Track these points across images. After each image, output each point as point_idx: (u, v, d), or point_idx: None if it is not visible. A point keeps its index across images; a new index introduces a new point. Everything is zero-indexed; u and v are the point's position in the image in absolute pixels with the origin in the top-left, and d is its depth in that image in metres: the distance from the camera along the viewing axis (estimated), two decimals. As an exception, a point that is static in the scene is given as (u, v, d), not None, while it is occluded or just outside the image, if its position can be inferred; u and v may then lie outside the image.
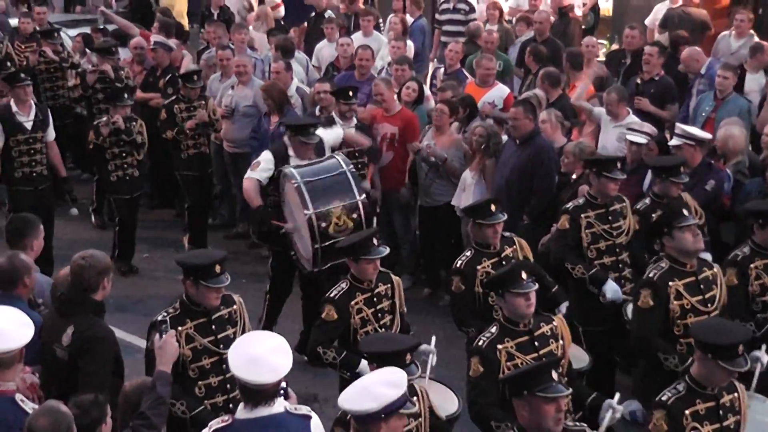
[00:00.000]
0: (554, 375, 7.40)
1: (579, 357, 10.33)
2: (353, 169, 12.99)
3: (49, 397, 8.39)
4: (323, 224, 11.85)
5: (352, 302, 10.08)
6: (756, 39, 18.79)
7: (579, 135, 14.76)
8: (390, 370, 7.48)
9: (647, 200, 12.34)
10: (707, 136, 13.90)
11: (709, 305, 10.14)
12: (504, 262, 10.81)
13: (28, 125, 15.31)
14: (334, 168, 12.89)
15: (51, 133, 15.78)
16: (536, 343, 9.19)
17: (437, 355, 10.28)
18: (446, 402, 9.74)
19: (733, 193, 13.42)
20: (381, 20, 21.59)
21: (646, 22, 21.00)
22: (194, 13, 25.41)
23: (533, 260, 11.43)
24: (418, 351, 8.56)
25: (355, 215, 12.64)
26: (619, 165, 12.26)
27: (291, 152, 13.16)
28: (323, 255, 11.99)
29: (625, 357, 11.62)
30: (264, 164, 13.10)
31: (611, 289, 11.29)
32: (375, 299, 10.22)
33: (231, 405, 8.58)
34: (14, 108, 15.40)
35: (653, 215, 11.76)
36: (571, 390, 7.69)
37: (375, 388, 7.16)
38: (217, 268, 9.18)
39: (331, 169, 12.88)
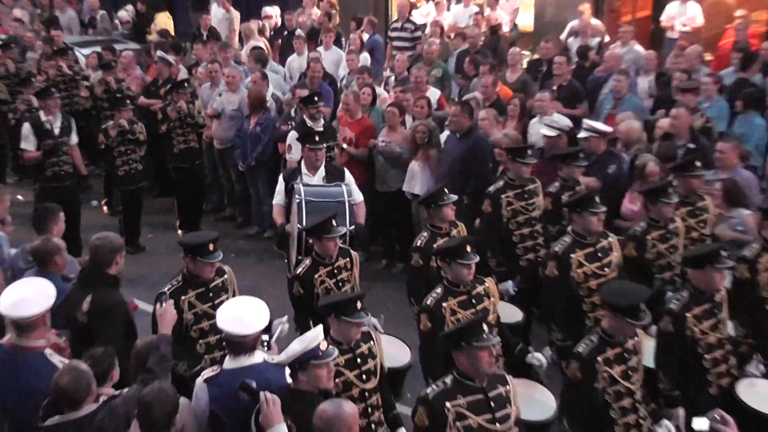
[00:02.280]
0: (485, 328, 7.64)
1: (512, 314, 10.49)
2: (353, 202, 12.69)
3: (75, 356, 8.52)
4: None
5: (316, 275, 10.28)
6: (637, 47, 19.40)
7: (503, 127, 14.83)
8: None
9: (557, 183, 12.48)
10: (608, 129, 14.07)
11: (606, 269, 10.39)
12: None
13: (56, 131, 15.48)
14: (337, 195, 12.61)
15: (74, 138, 15.92)
16: (474, 301, 9.43)
17: (392, 317, 10.82)
18: (400, 354, 10.06)
19: (632, 173, 13.47)
20: (342, 36, 21.70)
21: (561, 36, 21.30)
22: (186, 33, 25.41)
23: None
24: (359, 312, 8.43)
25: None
26: (530, 152, 12.38)
27: (303, 168, 12.98)
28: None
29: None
30: (279, 187, 13.02)
31: (509, 286, 11.71)
32: (336, 271, 10.40)
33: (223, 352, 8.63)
34: (43, 117, 15.53)
35: (562, 196, 12.11)
36: (499, 339, 8.05)
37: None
38: (211, 246, 9.51)
39: (334, 195, 12.63)
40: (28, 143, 15.52)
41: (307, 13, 23.98)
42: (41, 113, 15.77)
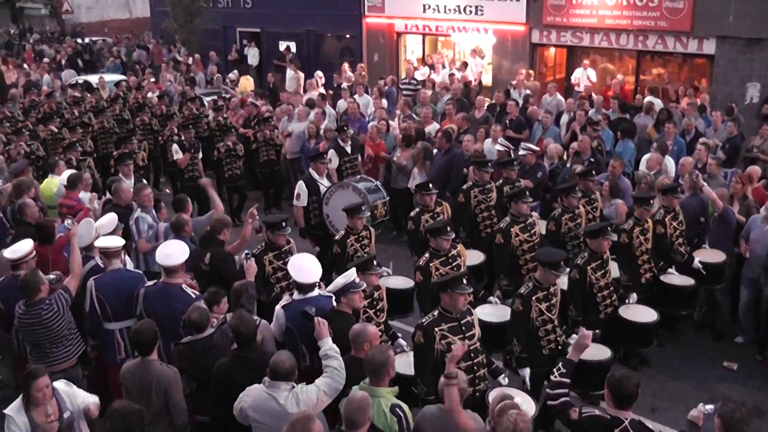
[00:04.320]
0: (464, 281, 7.60)
1: (501, 313, 9.37)
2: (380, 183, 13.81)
3: (201, 290, 8.65)
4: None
5: (348, 241, 10.22)
6: (559, 96, 19.52)
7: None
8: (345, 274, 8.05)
9: (501, 181, 12.46)
10: (538, 149, 14.13)
11: (532, 238, 10.44)
12: (436, 216, 11.09)
13: (192, 150, 15.73)
14: (372, 182, 13.56)
15: (200, 154, 16.01)
16: (450, 260, 9.38)
17: (399, 266, 10.68)
18: (406, 284, 10.07)
19: (552, 177, 13.60)
20: (369, 88, 21.53)
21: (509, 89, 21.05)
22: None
23: (451, 215, 11.58)
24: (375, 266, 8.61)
25: (385, 207, 13.27)
26: (489, 164, 12.49)
27: (315, 176, 12.99)
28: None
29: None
30: (302, 193, 12.88)
31: (473, 253, 11.17)
32: (360, 238, 10.31)
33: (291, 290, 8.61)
34: (184, 139, 15.79)
35: (504, 189, 12.16)
36: (472, 289, 7.83)
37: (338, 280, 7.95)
38: (283, 224, 9.56)
39: (370, 182, 13.49)
40: (178, 155, 15.55)
41: (343, 75, 23.75)
42: (183, 138, 15.90)
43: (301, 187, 12.98)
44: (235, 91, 22.83)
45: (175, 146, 15.72)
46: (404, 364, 7.92)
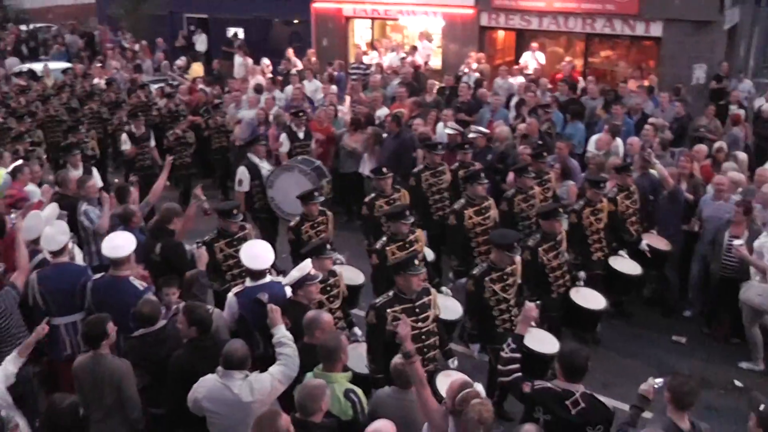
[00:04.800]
0: (416, 262, 7.65)
1: (453, 309, 9.26)
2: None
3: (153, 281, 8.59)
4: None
5: (303, 228, 10.14)
6: (511, 79, 19.54)
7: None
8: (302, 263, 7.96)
9: (457, 164, 12.43)
10: (487, 131, 14.12)
11: (487, 221, 10.46)
12: (392, 202, 10.97)
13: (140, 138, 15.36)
14: (314, 162, 13.52)
15: (152, 142, 15.70)
16: (407, 246, 9.36)
17: (353, 253, 10.66)
18: (355, 278, 9.95)
19: (501, 159, 13.55)
20: (318, 74, 21.51)
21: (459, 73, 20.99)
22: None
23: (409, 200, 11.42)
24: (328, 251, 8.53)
25: (329, 185, 13.36)
26: (440, 146, 12.44)
27: (255, 159, 12.98)
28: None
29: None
30: (243, 179, 12.85)
31: (424, 234, 10.81)
32: (315, 225, 10.24)
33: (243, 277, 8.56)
34: (134, 130, 15.39)
35: (459, 173, 12.06)
36: (425, 269, 7.96)
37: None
38: (235, 211, 9.49)
39: (312, 162, 13.45)
40: (126, 145, 15.25)
41: (291, 61, 23.76)
42: (132, 127, 15.50)
43: (243, 172, 12.89)
44: (183, 78, 22.52)
45: (124, 136, 15.42)
46: (358, 357, 7.85)
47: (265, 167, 13.09)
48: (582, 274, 10.07)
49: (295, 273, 7.87)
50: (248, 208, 12.93)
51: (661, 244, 11.19)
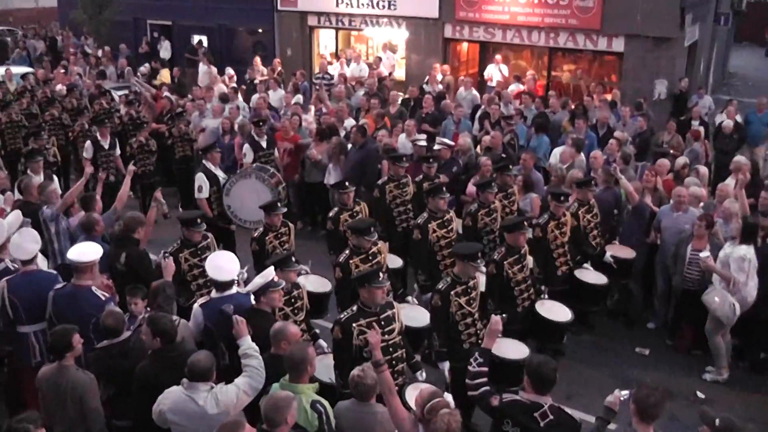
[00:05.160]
0: (380, 275, 7.65)
1: (420, 318, 9.19)
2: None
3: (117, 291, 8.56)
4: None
5: (266, 238, 10.08)
6: (474, 92, 19.77)
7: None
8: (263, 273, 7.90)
9: (420, 177, 12.48)
10: (452, 143, 14.21)
11: (450, 234, 10.51)
12: (355, 215, 10.98)
13: (107, 147, 15.09)
14: (269, 169, 13.62)
15: (117, 151, 15.45)
16: (370, 258, 9.31)
17: (317, 263, 10.51)
18: (322, 286, 9.91)
19: (465, 171, 13.66)
20: (282, 83, 21.48)
21: (423, 84, 21.11)
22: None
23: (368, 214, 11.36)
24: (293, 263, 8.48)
25: (285, 191, 13.42)
26: (404, 158, 12.46)
27: (210, 167, 12.86)
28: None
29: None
30: (203, 185, 12.70)
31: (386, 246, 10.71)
32: (279, 235, 10.19)
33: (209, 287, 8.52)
34: (99, 138, 15.14)
35: (423, 185, 12.08)
36: (389, 283, 7.95)
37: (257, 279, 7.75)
38: (198, 220, 9.41)
39: (267, 169, 13.55)
40: (87, 153, 14.97)
41: (256, 69, 23.66)
42: (97, 135, 15.26)
43: (201, 178, 12.79)
44: (147, 85, 22.36)
45: (88, 143, 15.20)
46: (324, 368, 7.83)
47: (220, 175, 13.06)
48: (545, 288, 10.13)
49: (259, 280, 7.84)
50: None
51: (626, 252, 11.30)
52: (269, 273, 7.90)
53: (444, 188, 10.79)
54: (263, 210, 10.38)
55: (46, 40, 32.92)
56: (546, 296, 9.97)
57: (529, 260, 10.01)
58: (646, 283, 11.84)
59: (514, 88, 20.10)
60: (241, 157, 14.82)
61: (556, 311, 9.61)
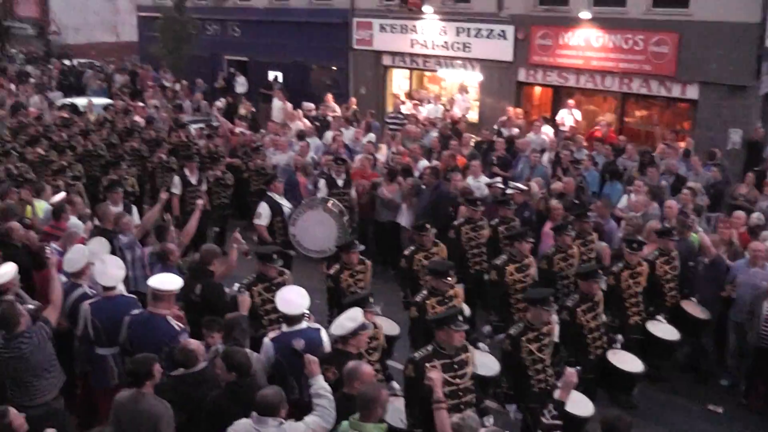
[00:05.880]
0: (460, 318, 7.56)
1: (490, 365, 9.12)
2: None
3: (189, 322, 8.59)
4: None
5: (342, 275, 10.08)
6: (543, 136, 19.46)
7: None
8: (351, 312, 7.81)
9: (497, 220, 12.47)
10: (525, 188, 14.06)
11: (527, 278, 10.42)
12: (431, 256, 10.93)
13: (193, 181, 15.09)
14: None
15: (204, 187, 15.44)
16: (446, 300, 9.25)
17: (388, 303, 10.48)
18: (391, 329, 9.93)
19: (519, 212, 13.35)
20: (354, 121, 21.57)
21: (495, 125, 21.20)
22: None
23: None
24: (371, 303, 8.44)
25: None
26: (478, 202, 12.44)
27: (275, 196, 13.17)
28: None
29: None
30: (263, 212, 12.98)
31: (461, 286, 10.77)
32: (354, 273, 10.18)
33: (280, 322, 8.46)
34: (186, 173, 15.20)
35: (499, 228, 12.21)
36: (467, 326, 7.83)
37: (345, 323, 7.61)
38: (274, 256, 9.44)
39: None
40: (176, 189, 14.96)
41: (328, 106, 23.88)
42: (185, 170, 15.31)
43: (263, 206, 13.04)
44: (223, 119, 22.68)
45: (176, 178, 15.26)
46: (394, 410, 7.69)
47: (285, 205, 13.27)
48: (619, 337, 9.91)
49: (348, 323, 7.70)
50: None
51: (700, 312, 11.06)
52: (358, 316, 7.80)
53: (529, 232, 10.77)
54: (340, 250, 10.43)
55: (128, 73, 33.66)
56: (618, 345, 9.78)
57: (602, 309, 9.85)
58: (719, 338, 11.56)
59: (548, 130, 20.08)
60: (307, 195, 14.97)
61: (628, 361, 9.45)
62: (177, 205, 14.55)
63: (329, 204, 13.38)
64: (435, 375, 6.88)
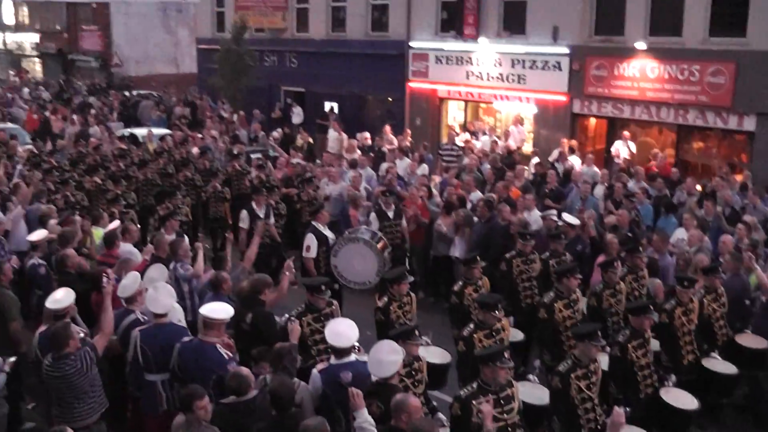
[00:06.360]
0: (506, 354, 7.53)
1: (540, 396, 8.96)
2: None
3: (238, 350, 8.68)
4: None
5: (391, 307, 10.08)
6: (595, 168, 19.29)
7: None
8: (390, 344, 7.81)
9: (548, 253, 12.35)
10: (577, 221, 13.88)
11: (576, 314, 10.28)
12: (478, 289, 10.91)
13: (261, 215, 14.72)
14: (371, 230, 14.01)
15: (272, 219, 15.22)
16: (493, 334, 9.24)
17: (438, 334, 10.50)
18: (443, 358, 9.89)
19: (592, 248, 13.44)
20: (409, 152, 21.55)
21: (549, 158, 21.17)
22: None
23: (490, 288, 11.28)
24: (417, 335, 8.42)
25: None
26: (528, 237, 12.30)
27: (319, 227, 13.30)
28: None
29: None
30: (312, 245, 13.09)
31: (510, 320, 10.76)
32: (403, 305, 10.18)
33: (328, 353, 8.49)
34: (254, 206, 14.84)
35: (550, 262, 12.08)
36: (513, 364, 7.72)
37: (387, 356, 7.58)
38: (323, 287, 9.47)
39: (372, 232, 13.94)
40: (244, 223, 14.73)
41: (385, 137, 24.01)
42: (253, 204, 15.01)
43: (310, 238, 13.12)
44: (279, 149, 22.90)
45: (244, 212, 15.00)
46: None
47: (329, 235, 13.40)
48: (673, 377, 9.67)
49: (394, 360, 7.70)
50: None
51: (757, 342, 10.67)
52: (398, 349, 7.82)
53: (577, 268, 10.68)
54: (390, 282, 10.40)
55: (188, 104, 34.21)
56: (671, 384, 9.54)
57: (654, 345, 9.70)
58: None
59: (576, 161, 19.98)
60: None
61: (681, 399, 9.20)
62: (245, 239, 14.36)
63: (372, 239, 13.48)
64: (486, 408, 6.90)
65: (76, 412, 8.04)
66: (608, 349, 9.34)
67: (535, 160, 21.23)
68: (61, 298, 8.83)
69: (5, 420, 9.13)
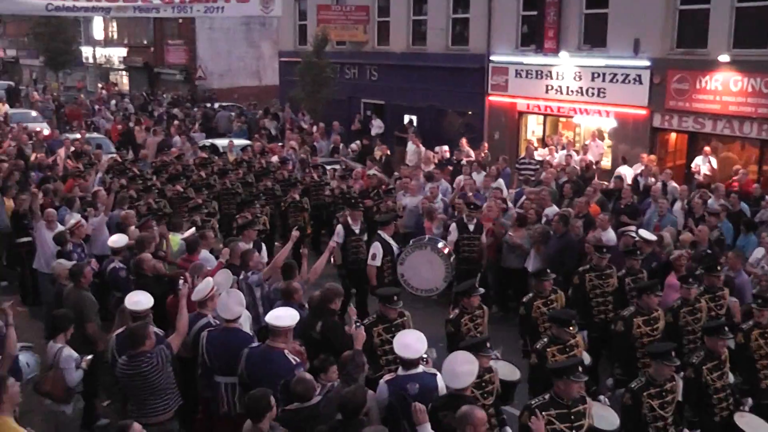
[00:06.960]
0: (580, 369, 7.43)
1: (610, 419, 8.73)
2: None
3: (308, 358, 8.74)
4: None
5: (463, 320, 10.03)
6: (674, 184, 18.66)
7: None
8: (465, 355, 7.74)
9: (624, 271, 12.05)
10: (654, 238, 13.55)
11: (656, 332, 10.06)
12: (549, 303, 10.83)
13: (356, 230, 14.26)
14: (437, 239, 14.15)
15: (365, 236, 14.69)
16: (567, 349, 9.10)
17: (508, 349, 10.41)
18: (512, 374, 9.74)
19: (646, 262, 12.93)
20: (487, 166, 21.37)
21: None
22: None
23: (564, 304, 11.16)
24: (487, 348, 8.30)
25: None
26: (605, 250, 12.15)
27: (385, 236, 13.33)
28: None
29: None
30: (377, 253, 13.10)
31: (584, 334, 10.81)
32: (474, 318, 10.13)
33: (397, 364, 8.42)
34: (350, 222, 14.26)
35: (626, 280, 11.84)
36: (587, 377, 7.67)
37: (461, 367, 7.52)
38: (395, 298, 9.48)
39: (438, 240, 14.06)
40: (339, 238, 14.28)
41: (462, 150, 23.92)
42: (349, 219, 14.56)
43: (376, 247, 13.18)
44: (353, 163, 23.02)
45: (339, 227, 14.53)
46: None
47: (394, 246, 13.43)
48: (749, 400, 9.40)
49: (468, 371, 7.66)
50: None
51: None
52: (472, 360, 7.77)
53: (659, 286, 10.52)
54: (462, 294, 10.37)
55: (273, 117, 34.66)
56: (746, 408, 9.25)
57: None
58: None
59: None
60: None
61: (756, 425, 8.89)
62: (338, 254, 14.26)
63: (439, 245, 13.54)
64: (536, 425, 6.91)
65: (150, 409, 8.23)
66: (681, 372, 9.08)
67: (625, 169, 20.96)
68: (141, 300, 9.08)
69: (81, 414, 9.42)
